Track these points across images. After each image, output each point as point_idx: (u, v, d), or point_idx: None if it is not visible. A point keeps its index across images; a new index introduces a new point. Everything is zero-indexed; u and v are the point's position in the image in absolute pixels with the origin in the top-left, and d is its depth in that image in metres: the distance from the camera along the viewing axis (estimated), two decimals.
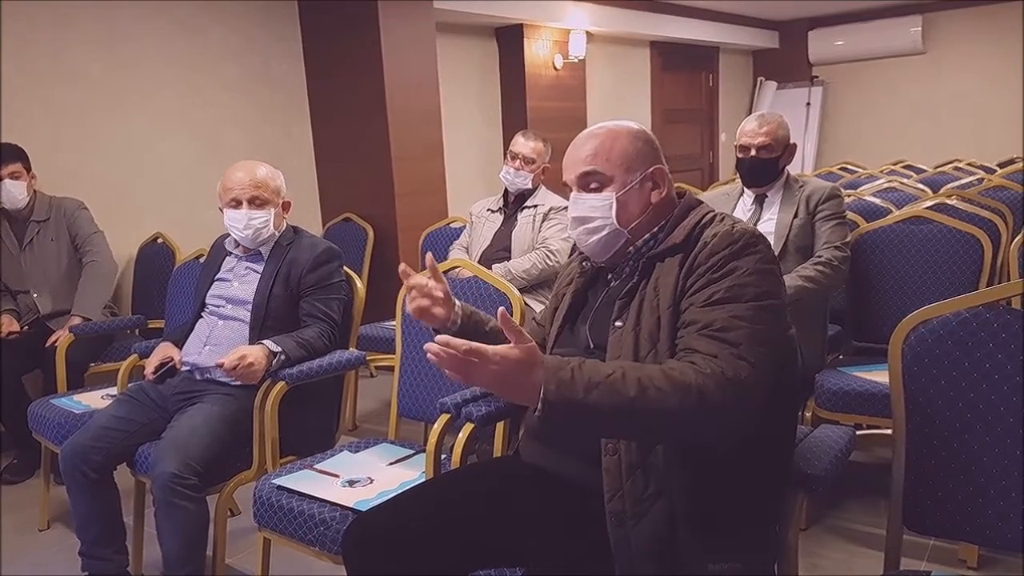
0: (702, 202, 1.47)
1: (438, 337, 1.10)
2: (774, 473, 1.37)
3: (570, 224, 1.49)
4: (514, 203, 3.39)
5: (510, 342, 1.13)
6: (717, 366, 1.19)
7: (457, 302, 1.58)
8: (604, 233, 1.45)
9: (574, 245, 3.16)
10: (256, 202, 2.29)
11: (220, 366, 2.09)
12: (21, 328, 3.21)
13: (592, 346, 1.47)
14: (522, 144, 3.32)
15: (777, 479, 1.38)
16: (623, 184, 1.44)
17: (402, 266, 1.55)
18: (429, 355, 1.10)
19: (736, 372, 1.19)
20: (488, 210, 3.47)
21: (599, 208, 1.44)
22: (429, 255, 1.55)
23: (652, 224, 1.45)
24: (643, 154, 1.45)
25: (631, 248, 1.45)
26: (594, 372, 1.14)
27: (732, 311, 1.25)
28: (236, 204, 2.28)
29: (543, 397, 1.10)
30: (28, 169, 3.25)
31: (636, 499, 1.29)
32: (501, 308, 1.12)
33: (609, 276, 1.51)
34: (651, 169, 1.45)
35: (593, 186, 1.45)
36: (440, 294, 1.53)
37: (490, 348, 1.09)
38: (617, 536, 1.31)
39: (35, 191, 3.31)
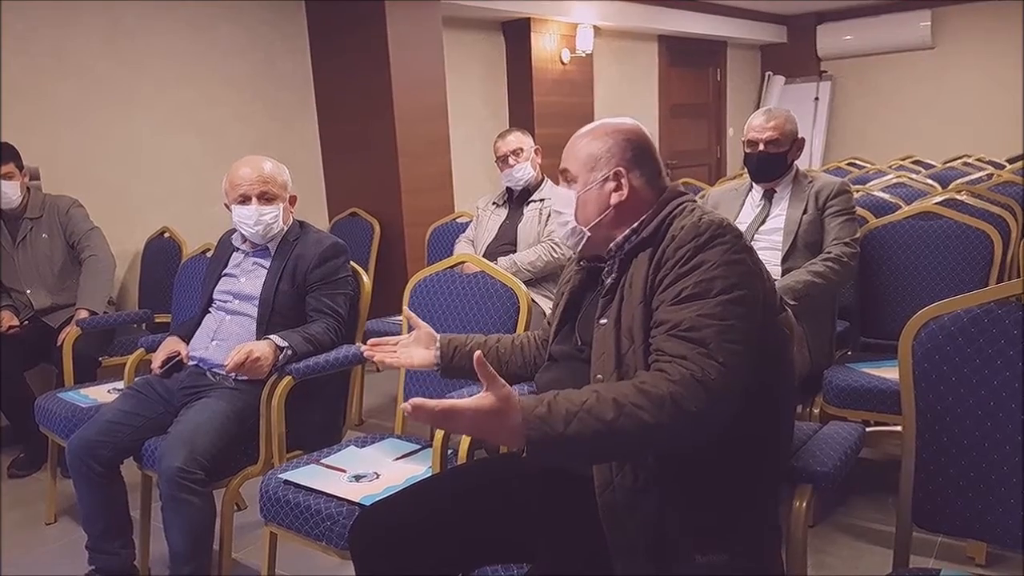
0: (684, 193, 1.46)
1: (411, 400, 1.09)
2: (763, 466, 1.36)
3: None
4: (519, 196, 3.39)
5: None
6: (686, 369, 1.19)
7: (437, 341, 1.75)
8: (568, 228, 1.50)
9: None
10: (265, 197, 2.28)
11: (228, 370, 2.10)
12: (20, 323, 3.22)
13: (580, 343, 1.48)
14: (503, 144, 3.34)
15: (767, 472, 1.37)
16: (585, 184, 1.46)
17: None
18: (405, 413, 1.11)
19: (705, 373, 1.18)
20: (493, 204, 3.48)
21: (566, 203, 1.49)
22: (406, 309, 1.85)
23: (618, 224, 1.44)
24: (610, 155, 1.44)
25: (612, 245, 1.44)
26: (569, 402, 1.13)
27: (700, 309, 1.23)
28: (245, 200, 2.27)
29: (526, 437, 1.10)
30: (21, 168, 3.25)
31: (627, 491, 1.30)
32: (477, 352, 1.11)
33: (602, 275, 1.51)
34: (612, 171, 1.44)
35: (568, 181, 1.50)
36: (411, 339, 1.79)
37: (463, 403, 1.10)
38: (611, 527, 1.31)
39: (28, 189, 3.31)
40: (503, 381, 1.10)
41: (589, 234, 1.47)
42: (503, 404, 1.10)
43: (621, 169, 1.43)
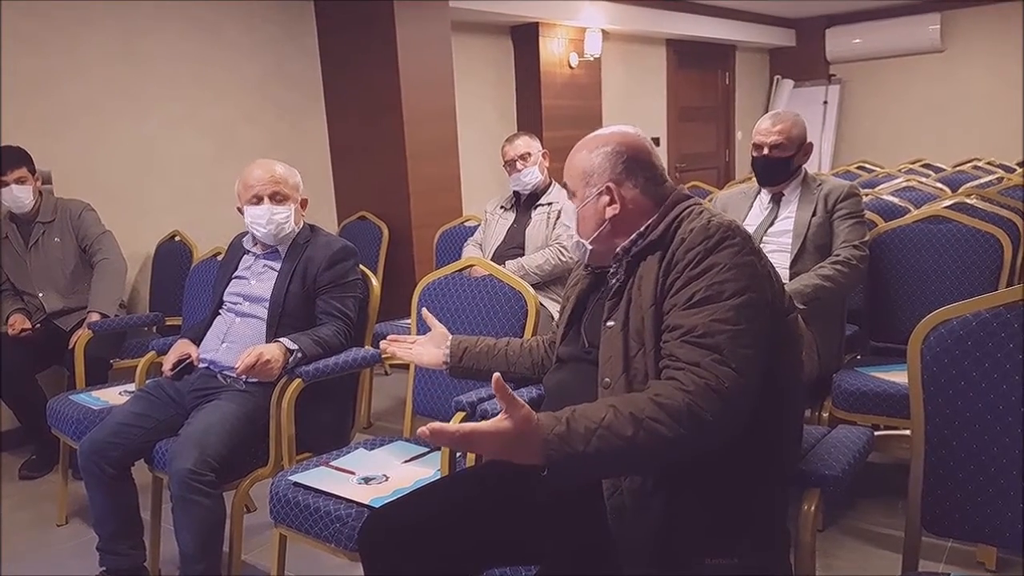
0: (690, 196, 1.46)
1: (429, 425, 1.09)
2: (771, 469, 1.36)
3: None
4: (527, 200, 3.39)
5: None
6: (700, 377, 1.19)
7: (448, 341, 1.82)
8: (573, 241, 1.52)
9: None
10: (277, 197, 2.30)
11: (239, 373, 2.11)
12: (33, 326, 3.24)
13: (588, 345, 1.50)
14: (511, 148, 3.36)
15: (775, 475, 1.37)
16: (583, 198, 1.48)
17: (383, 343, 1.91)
18: (423, 438, 1.10)
19: (720, 380, 1.19)
20: (501, 207, 3.50)
21: (571, 217, 1.52)
22: (424, 310, 1.93)
23: (617, 235, 1.45)
24: (602, 168, 1.45)
25: (619, 249, 1.45)
26: (588, 420, 1.14)
27: (713, 314, 1.24)
28: (258, 200, 2.29)
29: (547, 458, 1.11)
30: (33, 172, 3.27)
31: (635, 494, 1.30)
32: (496, 375, 1.10)
33: (607, 277, 1.52)
34: (604, 185, 1.44)
35: (570, 195, 1.52)
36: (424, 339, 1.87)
37: (483, 426, 1.10)
38: (619, 531, 1.32)
39: (40, 192, 3.33)
40: (522, 402, 1.11)
41: (591, 247, 1.49)
42: (522, 426, 1.10)
43: (611, 184, 1.44)
